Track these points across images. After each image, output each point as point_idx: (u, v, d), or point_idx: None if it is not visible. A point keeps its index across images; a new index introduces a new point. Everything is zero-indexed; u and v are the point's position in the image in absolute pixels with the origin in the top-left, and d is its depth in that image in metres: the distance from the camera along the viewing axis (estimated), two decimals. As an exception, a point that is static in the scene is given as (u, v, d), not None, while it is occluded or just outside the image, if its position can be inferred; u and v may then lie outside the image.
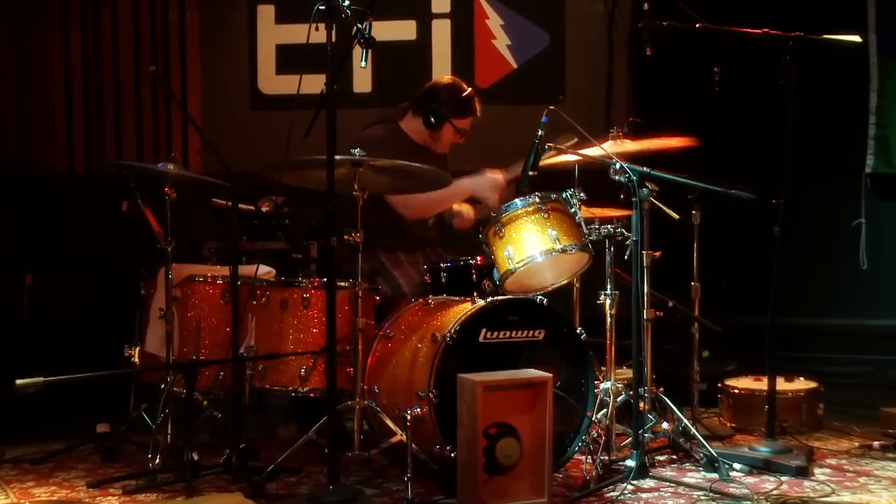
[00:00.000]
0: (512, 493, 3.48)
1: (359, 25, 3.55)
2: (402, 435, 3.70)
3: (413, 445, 3.62)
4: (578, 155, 4.04)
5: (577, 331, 3.92)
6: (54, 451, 4.21)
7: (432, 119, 4.58)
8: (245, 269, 4.13)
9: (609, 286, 4.10)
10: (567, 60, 6.29)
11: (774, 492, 3.65)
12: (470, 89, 4.61)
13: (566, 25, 6.29)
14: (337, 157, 3.53)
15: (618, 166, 3.77)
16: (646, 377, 4.06)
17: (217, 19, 6.63)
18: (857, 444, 4.37)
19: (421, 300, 4.11)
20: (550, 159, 4.09)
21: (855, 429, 4.60)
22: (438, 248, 4.72)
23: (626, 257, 3.97)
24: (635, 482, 3.69)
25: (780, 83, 3.94)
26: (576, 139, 4.09)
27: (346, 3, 3.57)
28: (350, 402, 3.85)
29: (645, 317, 4.06)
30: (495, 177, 4.55)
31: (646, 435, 3.97)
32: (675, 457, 4.10)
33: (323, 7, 3.52)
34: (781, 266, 4.00)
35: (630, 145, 4.23)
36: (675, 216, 4.25)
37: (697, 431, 4.08)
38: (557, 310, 3.92)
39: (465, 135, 4.64)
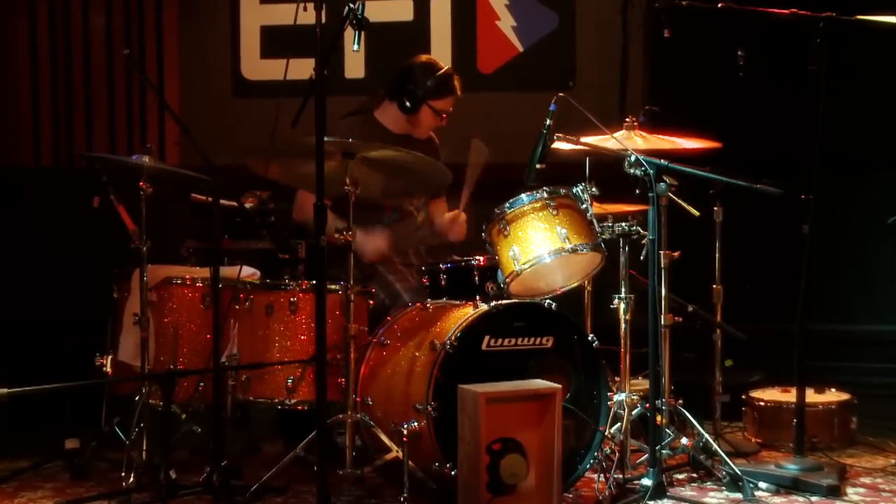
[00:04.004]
0: (518, 515, 3.50)
1: (351, 5, 3.55)
2: (397, 451, 3.70)
3: (410, 463, 3.63)
4: (589, 146, 4.04)
5: (589, 338, 3.93)
6: (19, 468, 4.21)
7: (407, 103, 4.56)
8: (227, 271, 4.13)
9: (623, 289, 4.11)
10: (578, 43, 6.27)
11: (803, 513, 3.67)
12: (447, 67, 4.60)
13: (576, 5, 6.27)
14: (327, 139, 3.50)
15: (633, 159, 3.77)
16: (663, 388, 4.06)
17: (196, -1, 6.65)
18: (893, 460, 4.38)
19: (419, 304, 4.11)
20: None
21: (891, 444, 4.61)
22: (421, 246, 4.71)
23: (642, 258, 3.98)
24: (652, 503, 3.69)
25: (810, 68, 3.95)
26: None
27: (337, -20, 3.57)
28: (341, 416, 3.86)
29: (662, 322, 4.06)
30: (377, 246, 4.46)
31: (663, 451, 3.98)
32: (695, 475, 4.11)
33: (312, -15, 3.52)
34: (811, 268, 4.00)
35: (644, 143, 4.23)
36: (696, 213, 4.25)
37: (719, 447, 4.09)
38: (567, 315, 3.92)
39: (445, 117, 4.61)
